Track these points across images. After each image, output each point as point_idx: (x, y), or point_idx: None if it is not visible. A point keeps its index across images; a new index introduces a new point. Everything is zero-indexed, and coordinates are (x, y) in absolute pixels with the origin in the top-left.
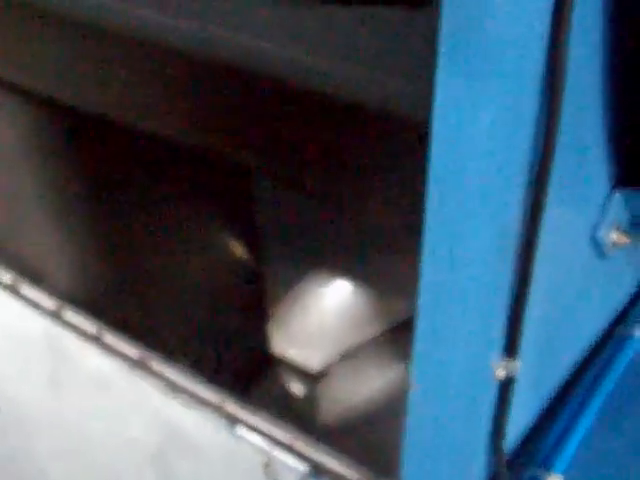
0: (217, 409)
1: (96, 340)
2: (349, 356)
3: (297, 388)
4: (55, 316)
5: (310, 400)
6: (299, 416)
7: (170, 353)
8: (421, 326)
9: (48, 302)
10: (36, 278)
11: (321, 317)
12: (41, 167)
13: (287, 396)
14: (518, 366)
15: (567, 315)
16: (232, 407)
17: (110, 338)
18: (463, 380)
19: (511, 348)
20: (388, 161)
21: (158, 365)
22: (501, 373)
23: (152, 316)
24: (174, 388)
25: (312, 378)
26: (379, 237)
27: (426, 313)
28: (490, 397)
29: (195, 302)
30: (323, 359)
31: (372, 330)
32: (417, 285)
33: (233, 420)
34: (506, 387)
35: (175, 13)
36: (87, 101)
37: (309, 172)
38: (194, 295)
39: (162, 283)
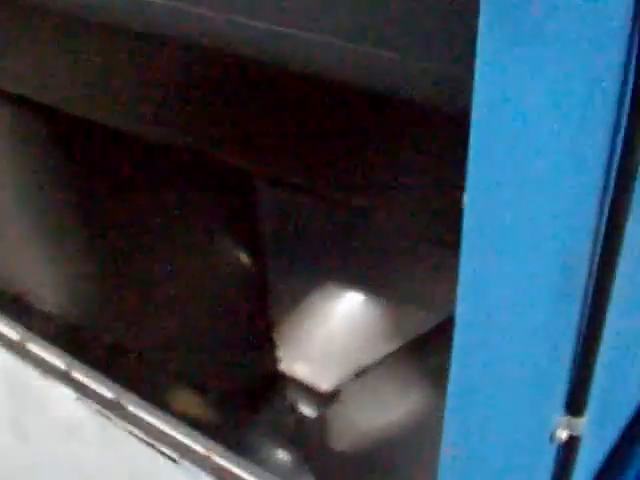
0: (205, 462)
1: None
2: (362, 374)
3: (307, 409)
4: (17, 348)
5: (321, 423)
6: (309, 443)
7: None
8: (457, 374)
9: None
10: None
11: (332, 332)
12: (20, 175)
13: (295, 419)
14: (583, 424)
15: (633, 356)
16: (223, 461)
17: (80, 374)
18: (511, 442)
19: (576, 403)
20: (414, 161)
21: (134, 406)
22: (562, 434)
23: (139, 340)
24: (152, 435)
25: (323, 398)
26: (395, 246)
27: (463, 356)
28: (547, 462)
29: (194, 316)
30: (334, 378)
31: (387, 346)
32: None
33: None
34: (568, 449)
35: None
36: (74, 102)
37: (320, 174)
38: (191, 309)
39: (156, 299)
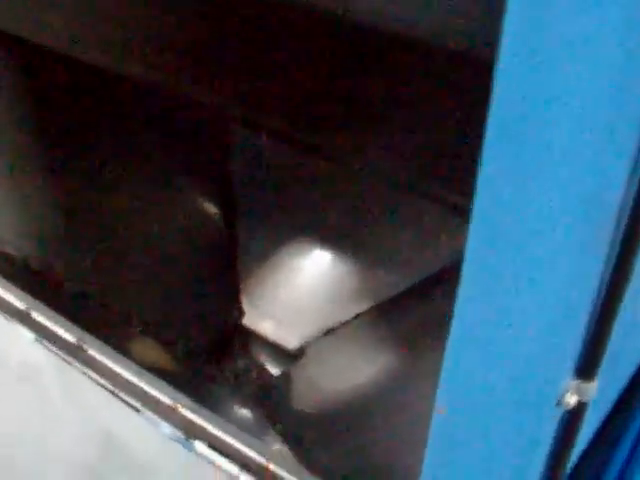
0: (169, 413)
1: (25, 318)
2: (330, 334)
3: (272, 367)
4: None
5: (285, 380)
6: (273, 399)
7: (115, 335)
8: (459, 325)
9: None
10: None
11: (301, 290)
12: None
13: (259, 375)
14: (594, 389)
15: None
16: (189, 413)
17: (41, 316)
18: (513, 404)
19: (588, 367)
20: (404, 106)
21: (96, 350)
22: (571, 399)
23: (99, 284)
24: (115, 382)
25: (289, 356)
26: (371, 205)
27: (467, 306)
28: (553, 427)
29: (157, 267)
30: (301, 336)
31: (356, 307)
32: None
33: (190, 432)
34: (575, 414)
35: None
36: (38, 32)
37: (298, 119)
38: (156, 259)
39: (117, 246)
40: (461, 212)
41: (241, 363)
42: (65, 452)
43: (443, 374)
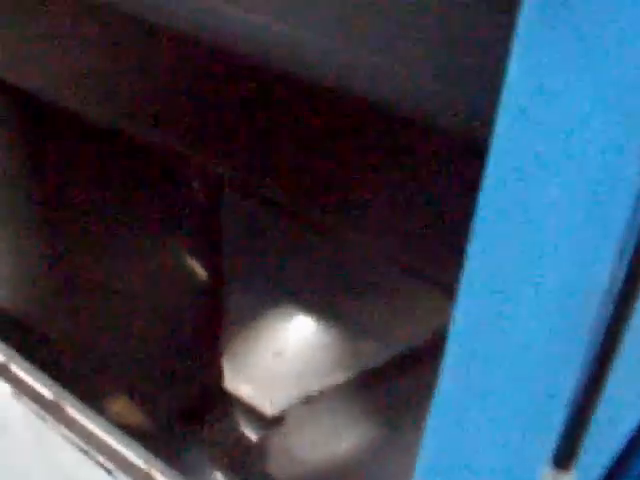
0: (142, 477)
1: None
2: (309, 402)
3: (248, 432)
4: None
5: (261, 447)
6: (249, 466)
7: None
8: (440, 407)
9: None
10: None
11: (281, 355)
12: None
13: (236, 441)
14: (572, 479)
15: (623, 403)
16: (163, 478)
17: (19, 369)
18: None
19: (566, 456)
20: (393, 183)
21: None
22: None
23: (77, 344)
24: (89, 441)
25: (267, 421)
26: (359, 275)
27: (448, 389)
28: None
29: (139, 324)
30: (280, 402)
31: (338, 376)
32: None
33: None
34: None
35: None
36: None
37: (287, 183)
38: (138, 315)
39: (96, 300)
40: (445, 289)
41: (218, 427)
42: None
43: (421, 452)
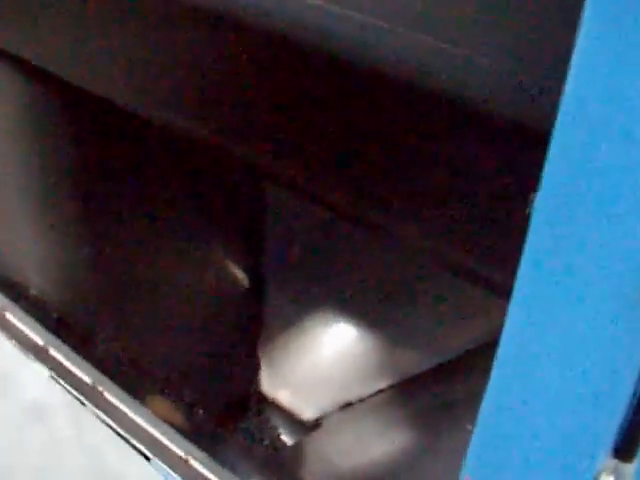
0: (180, 465)
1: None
2: (348, 408)
3: (285, 436)
4: None
5: (298, 451)
6: (284, 470)
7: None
8: (493, 398)
9: None
10: None
11: (322, 361)
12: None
13: (273, 446)
14: (631, 471)
15: None
16: (200, 467)
17: (58, 353)
18: None
19: (627, 447)
20: (457, 177)
21: (111, 394)
22: (608, 479)
23: (117, 336)
24: (128, 428)
25: (304, 427)
26: (403, 277)
27: (503, 380)
28: None
29: (175, 325)
30: (318, 408)
31: (377, 383)
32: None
33: None
34: None
35: None
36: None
37: (336, 182)
38: (174, 316)
39: (136, 299)
40: (494, 290)
41: (255, 428)
42: None
43: (472, 442)
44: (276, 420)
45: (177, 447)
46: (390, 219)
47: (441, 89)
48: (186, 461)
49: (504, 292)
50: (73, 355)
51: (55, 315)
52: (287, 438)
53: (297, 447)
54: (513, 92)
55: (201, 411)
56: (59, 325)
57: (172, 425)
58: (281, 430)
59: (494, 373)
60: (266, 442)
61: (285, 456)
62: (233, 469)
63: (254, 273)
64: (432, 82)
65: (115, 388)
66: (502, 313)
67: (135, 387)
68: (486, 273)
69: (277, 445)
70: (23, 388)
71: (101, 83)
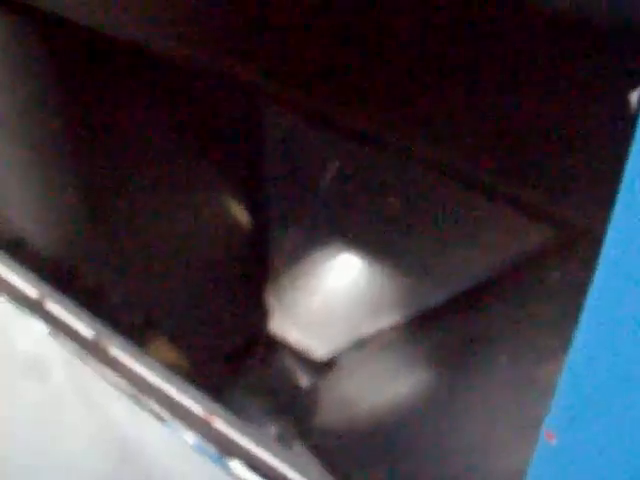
0: (201, 426)
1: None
2: (362, 345)
3: (298, 377)
4: None
5: (313, 392)
6: (300, 411)
7: (137, 333)
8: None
9: None
10: None
11: (333, 298)
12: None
13: (287, 386)
14: None
15: None
16: (225, 428)
17: (55, 306)
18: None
19: None
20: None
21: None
22: None
23: (118, 283)
24: (138, 386)
25: (317, 366)
26: (418, 200)
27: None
28: None
29: (178, 266)
30: (331, 346)
31: (391, 318)
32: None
33: (224, 448)
34: None
35: None
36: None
37: (341, 97)
38: (177, 258)
39: (136, 241)
40: (523, 208)
41: (265, 371)
42: (74, 459)
43: (557, 397)
44: (287, 362)
45: (197, 405)
46: (403, 138)
47: None
48: (208, 421)
49: (525, 208)
50: (72, 307)
51: (51, 265)
52: (300, 380)
53: (312, 389)
54: None
55: (207, 358)
56: (55, 276)
57: (184, 378)
58: (293, 372)
59: (583, 320)
60: (279, 386)
61: (301, 399)
62: (248, 417)
63: (256, 205)
64: None
65: (120, 341)
66: (522, 234)
67: (136, 336)
68: (507, 189)
69: (290, 388)
70: (18, 344)
71: (87, 12)
